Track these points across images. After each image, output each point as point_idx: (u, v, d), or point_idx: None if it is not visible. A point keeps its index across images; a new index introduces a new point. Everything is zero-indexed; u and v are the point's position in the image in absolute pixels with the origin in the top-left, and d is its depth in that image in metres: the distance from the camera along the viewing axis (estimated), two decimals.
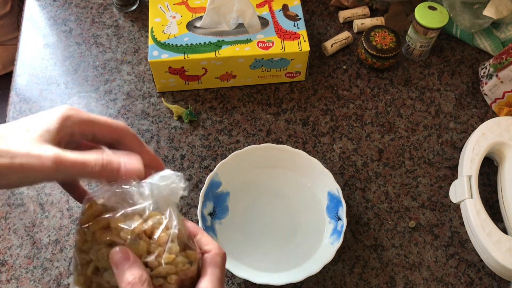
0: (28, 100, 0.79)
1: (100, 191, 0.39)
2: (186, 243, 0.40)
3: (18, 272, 0.65)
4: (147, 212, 0.39)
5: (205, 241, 0.42)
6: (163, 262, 0.38)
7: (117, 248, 0.37)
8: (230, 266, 0.62)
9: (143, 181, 0.39)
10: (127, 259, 0.37)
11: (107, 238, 0.38)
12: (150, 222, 0.38)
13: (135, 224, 0.38)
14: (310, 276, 0.61)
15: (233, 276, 0.65)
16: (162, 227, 0.38)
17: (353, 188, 0.73)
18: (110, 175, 0.37)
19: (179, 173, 0.39)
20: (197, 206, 0.66)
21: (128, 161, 0.38)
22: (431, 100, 0.82)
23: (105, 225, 0.38)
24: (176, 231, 0.39)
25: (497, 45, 0.84)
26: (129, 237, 0.37)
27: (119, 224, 0.38)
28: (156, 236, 0.38)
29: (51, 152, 0.35)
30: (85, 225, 0.38)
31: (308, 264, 0.64)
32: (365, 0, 0.90)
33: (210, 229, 0.66)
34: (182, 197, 0.41)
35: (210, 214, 0.68)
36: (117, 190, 0.38)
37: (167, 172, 0.39)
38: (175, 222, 0.39)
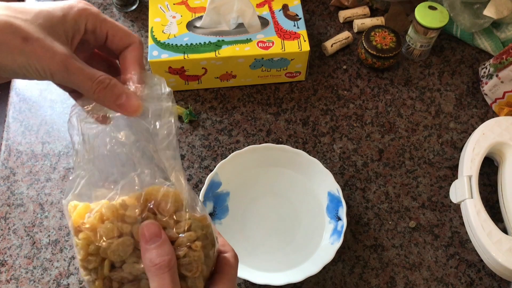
0: (28, 100, 0.79)
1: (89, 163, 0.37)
2: (194, 206, 0.39)
3: (18, 272, 0.65)
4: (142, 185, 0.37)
5: (221, 242, 0.42)
6: (182, 230, 0.36)
7: (149, 222, 0.36)
8: None
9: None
10: (158, 236, 0.35)
11: (117, 230, 0.36)
12: (153, 196, 0.37)
13: (136, 208, 0.37)
14: (310, 276, 0.61)
15: None
16: (170, 197, 0.37)
17: (353, 188, 0.73)
18: (107, 100, 0.36)
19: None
20: None
21: (130, 96, 0.36)
22: (431, 100, 0.81)
23: (102, 217, 0.37)
24: (187, 196, 0.38)
25: (497, 45, 0.84)
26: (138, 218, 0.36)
27: (120, 212, 0.37)
28: (167, 207, 0.37)
29: (63, 51, 0.33)
30: (85, 225, 0.36)
31: (308, 264, 0.64)
32: (365, 0, 0.90)
33: None
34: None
35: (210, 214, 0.68)
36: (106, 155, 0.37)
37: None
38: (185, 187, 0.38)
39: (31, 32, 0.32)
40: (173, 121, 0.38)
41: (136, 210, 0.36)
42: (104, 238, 0.36)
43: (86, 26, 0.36)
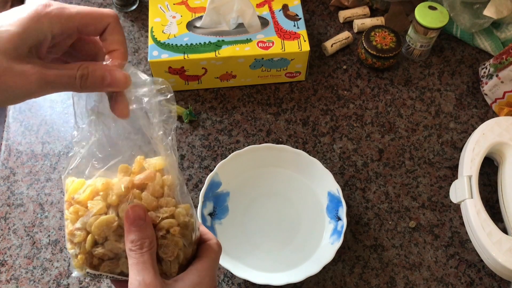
0: (28, 100, 0.79)
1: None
2: (180, 194, 0.40)
3: (17, 272, 0.65)
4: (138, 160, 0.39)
5: (203, 231, 0.43)
6: (165, 216, 0.38)
7: (135, 205, 0.37)
8: (230, 266, 0.62)
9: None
10: (142, 219, 0.37)
11: (105, 207, 0.38)
12: (140, 176, 0.39)
13: (124, 183, 0.38)
14: (310, 276, 0.61)
15: (233, 276, 0.65)
16: (159, 181, 0.39)
17: (353, 188, 0.73)
18: (95, 86, 0.36)
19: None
20: (197, 206, 0.66)
21: (113, 72, 0.36)
22: (431, 100, 0.81)
23: (94, 193, 0.38)
24: (177, 181, 0.39)
25: (497, 45, 0.84)
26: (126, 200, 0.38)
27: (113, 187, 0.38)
28: (156, 189, 0.38)
29: (34, 70, 0.33)
30: (75, 198, 0.38)
31: (308, 264, 0.64)
32: (365, 0, 0.90)
33: (210, 229, 0.66)
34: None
35: (210, 214, 0.68)
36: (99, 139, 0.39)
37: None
38: (174, 173, 0.39)
39: None
40: (172, 113, 0.40)
41: (125, 186, 0.38)
42: (91, 213, 0.38)
43: (52, 32, 0.35)
